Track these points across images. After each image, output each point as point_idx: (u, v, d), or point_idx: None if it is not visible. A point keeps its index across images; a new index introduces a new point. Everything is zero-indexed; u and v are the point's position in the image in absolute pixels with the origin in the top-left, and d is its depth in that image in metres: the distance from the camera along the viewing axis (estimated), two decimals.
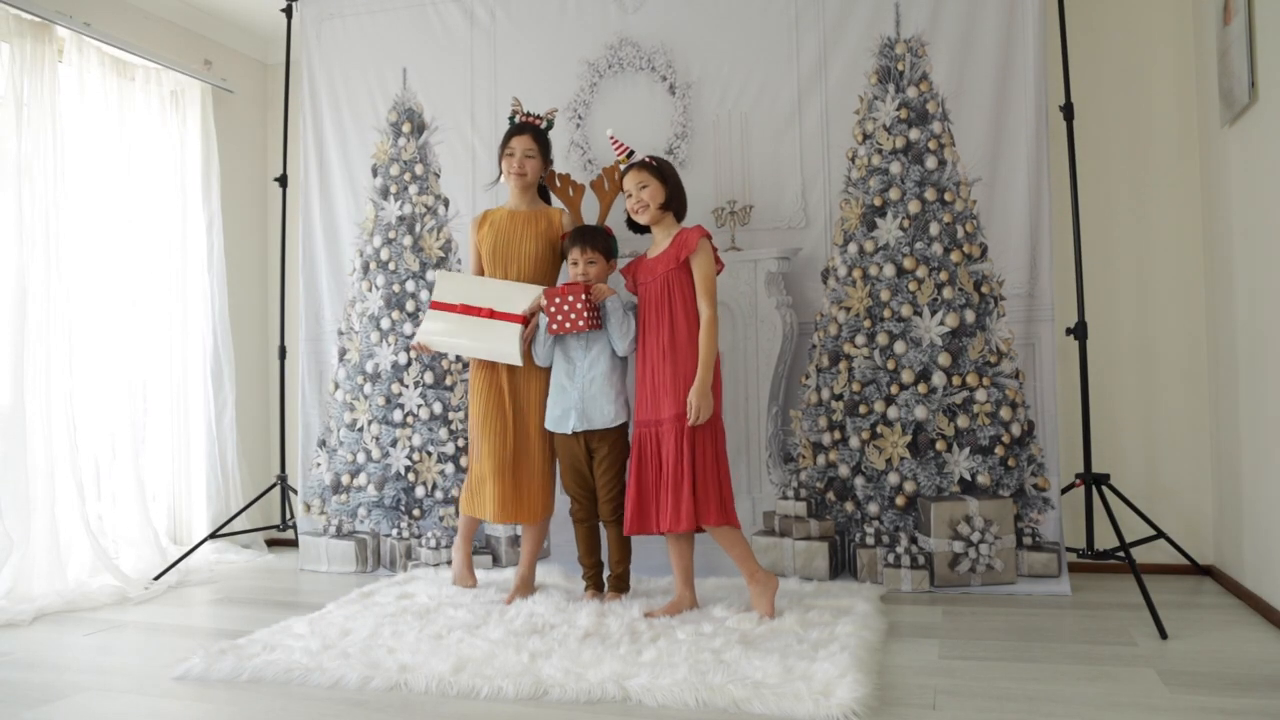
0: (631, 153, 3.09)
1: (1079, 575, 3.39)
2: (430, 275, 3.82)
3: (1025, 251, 3.27)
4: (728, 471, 2.93)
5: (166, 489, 4.13)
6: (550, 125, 3.31)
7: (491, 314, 3.12)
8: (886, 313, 3.36)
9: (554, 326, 3.01)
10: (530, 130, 3.24)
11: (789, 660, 2.36)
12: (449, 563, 3.74)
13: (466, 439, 3.75)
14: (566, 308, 2.97)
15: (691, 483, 2.85)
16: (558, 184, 3.36)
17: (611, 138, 3.15)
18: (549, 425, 3.16)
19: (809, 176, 3.46)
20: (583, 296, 2.96)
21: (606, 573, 3.19)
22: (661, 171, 3.01)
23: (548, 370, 3.20)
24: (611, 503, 3.10)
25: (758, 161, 3.51)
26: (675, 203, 3.03)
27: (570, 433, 3.10)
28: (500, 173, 3.31)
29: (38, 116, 3.45)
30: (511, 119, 3.31)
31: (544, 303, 3.03)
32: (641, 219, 3.03)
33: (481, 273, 3.30)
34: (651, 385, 2.96)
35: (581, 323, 2.97)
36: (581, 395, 3.08)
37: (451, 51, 3.85)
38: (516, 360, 3.09)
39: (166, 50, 4.15)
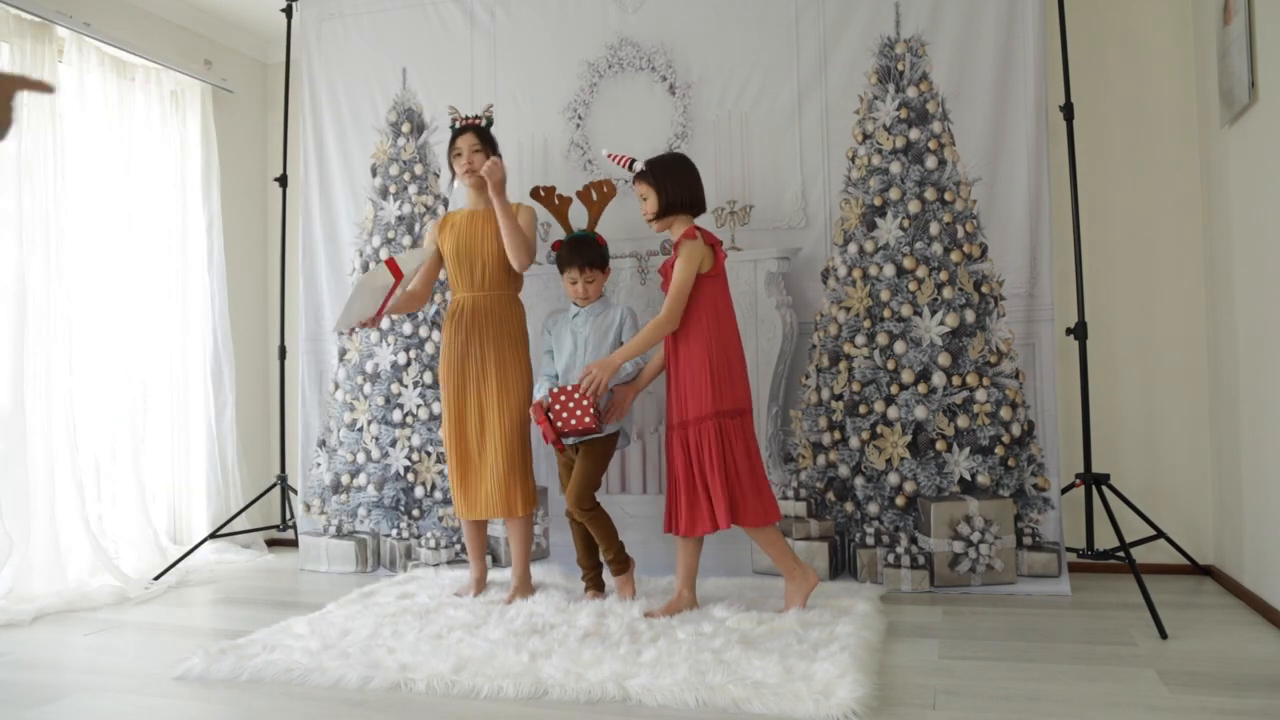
0: (632, 162, 3.02)
1: (1079, 575, 3.39)
2: None
3: (1025, 251, 3.27)
4: (755, 468, 2.88)
5: (166, 489, 4.12)
6: (490, 122, 3.33)
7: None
8: (886, 313, 3.36)
9: (560, 424, 2.93)
10: (472, 129, 3.28)
11: (789, 660, 2.36)
12: (449, 562, 3.75)
13: None
14: (571, 405, 2.92)
15: (689, 488, 2.86)
16: (542, 194, 3.33)
17: (609, 155, 3.09)
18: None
19: (809, 176, 3.46)
20: (588, 395, 2.90)
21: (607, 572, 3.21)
22: (656, 177, 2.96)
23: (518, 355, 3.23)
24: (576, 495, 3.06)
25: (758, 161, 3.51)
26: (678, 206, 2.97)
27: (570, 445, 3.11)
28: (453, 174, 3.32)
29: (38, 116, 3.44)
30: (452, 126, 3.32)
31: (547, 402, 2.97)
32: (654, 229, 3.04)
33: (429, 277, 3.35)
34: (667, 389, 2.98)
35: (588, 419, 2.91)
36: None
37: (451, 51, 3.85)
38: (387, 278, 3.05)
39: (166, 50, 4.15)
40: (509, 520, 3.24)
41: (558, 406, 2.94)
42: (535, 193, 3.33)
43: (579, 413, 2.92)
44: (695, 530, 2.87)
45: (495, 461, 3.17)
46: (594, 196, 3.30)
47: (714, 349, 2.90)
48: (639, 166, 3.00)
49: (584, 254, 3.11)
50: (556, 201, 3.33)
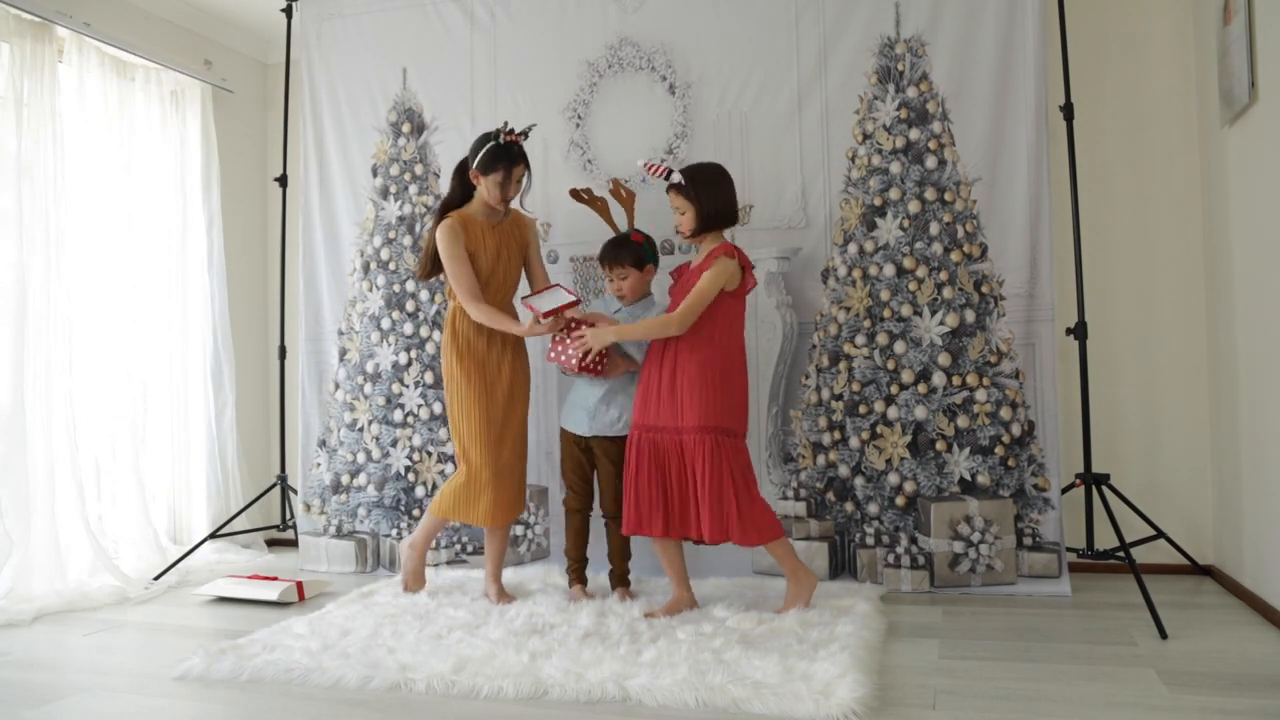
0: (670, 172, 2.93)
1: (1079, 575, 3.39)
2: None
3: (1025, 251, 3.27)
4: (748, 488, 2.86)
5: (166, 489, 4.12)
6: (527, 136, 3.17)
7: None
8: (886, 313, 3.36)
9: (552, 355, 3.03)
10: (525, 160, 3.12)
11: (789, 660, 2.36)
12: (449, 563, 3.75)
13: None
14: (569, 341, 2.97)
15: (680, 495, 2.86)
16: (585, 197, 3.33)
17: (646, 165, 2.99)
18: (568, 426, 3.20)
19: (809, 176, 3.46)
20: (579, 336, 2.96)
21: (609, 569, 3.23)
22: (696, 191, 2.89)
23: (527, 360, 3.25)
24: (616, 500, 3.13)
25: (758, 161, 3.51)
26: (713, 220, 2.92)
27: (585, 435, 3.16)
28: (487, 191, 3.10)
29: (38, 116, 3.44)
30: (496, 137, 3.09)
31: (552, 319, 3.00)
32: (689, 243, 3.05)
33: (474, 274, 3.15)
34: (647, 390, 2.96)
35: (573, 363, 2.98)
36: (600, 400, 3.14)
37: (451, 51, 3.85)
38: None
39: (166, 50, 4.15)
40: (501, 526, 3.23)
41: (561, 333, 2.99)
42: (576, 194, 3.33)
43: (567, 354, 2.98)
44: (673, 533, 2.89)
45: (518, 465, 3.21)
46: (623, 194, 3.31)
47: (722, 365, 2.89)
48: (676, 178, 2.92)
49: (612, 253, 3.13)
50: (599, 202, 3.34)
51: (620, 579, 3.19)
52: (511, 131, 3.11)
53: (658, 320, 2.90)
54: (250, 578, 3.43)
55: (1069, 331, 3.19)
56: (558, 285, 3.09)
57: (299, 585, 3.34)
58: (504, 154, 3.08)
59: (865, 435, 3.36)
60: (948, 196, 3.32)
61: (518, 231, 3.23)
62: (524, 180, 3.16)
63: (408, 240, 3.85)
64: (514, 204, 3.24)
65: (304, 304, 4.01)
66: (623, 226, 3.27)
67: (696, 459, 2.84)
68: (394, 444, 3.83)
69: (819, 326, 3.43)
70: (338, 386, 3.94)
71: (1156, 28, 3.58)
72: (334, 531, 3.90)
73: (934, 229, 3.32)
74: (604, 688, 2.24)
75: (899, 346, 3.34)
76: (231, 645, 2.63)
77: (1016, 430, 3.25)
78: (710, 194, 2.91)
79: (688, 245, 3.40)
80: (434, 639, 2.66)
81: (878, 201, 3.38)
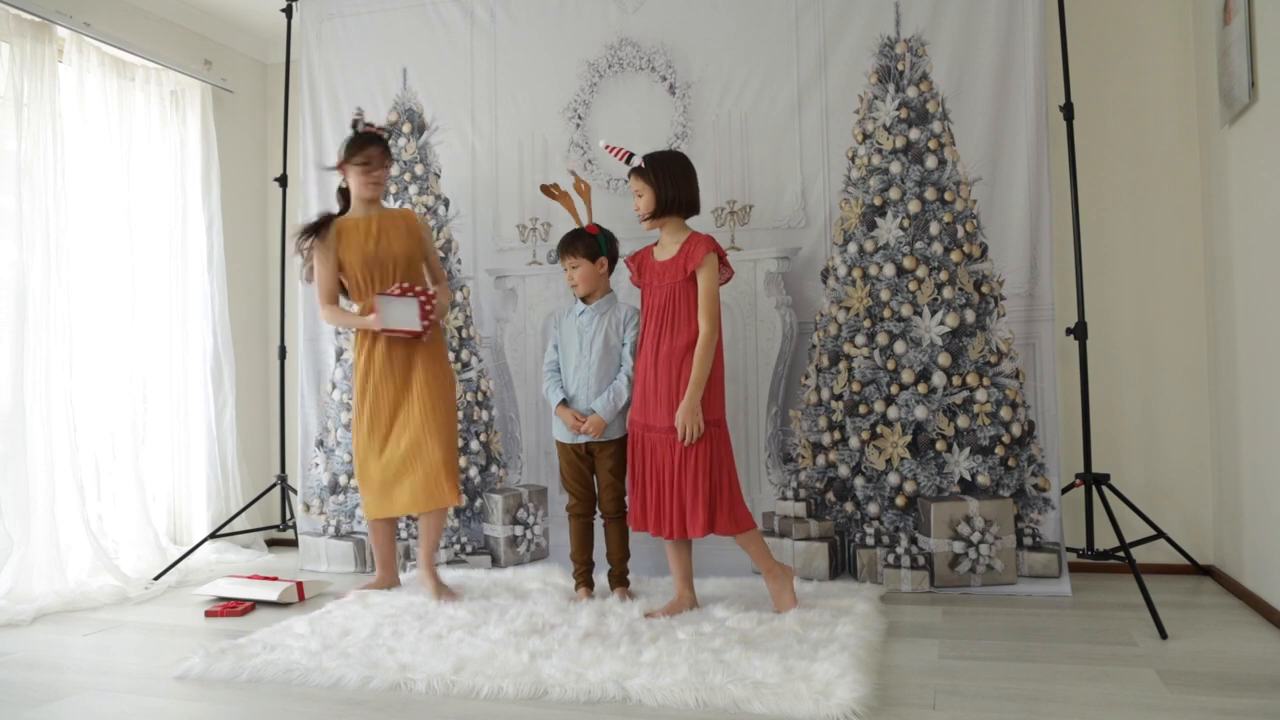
0: (630, 156, 2.99)
1: (1079, 575, 3.39)
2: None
3: (1025, 251, 3.27)
4: (732, 477, 2.89)
5: (166, 489, 4.12)
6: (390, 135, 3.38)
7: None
8: (886, 312, 3.35)
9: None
10: (381, 141, 3.28)
11: (789, 660, 2.36)
12: (449, 562, 3.75)
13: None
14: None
15: (688, 493, 2.84)
16: (554, 193, 3.35)
17: (607, 147, 3.05)
18: (562, 438, 3.20)
19: (809, 176, 3.46)
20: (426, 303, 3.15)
21: (608, 570, 3.22)
22: (655, 175, 2.92)
23: (438, 349, 3.29)
24: (614, 500, 3.14)
25: (757, 161, 3.51)
26: (675, 206, 2.94)
27: (575, 443, 3.18)
28: (348, 185, 3.29)
29: (38, 116, 3.44)
30: (354, 126, 3.38)
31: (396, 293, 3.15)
32: (644, 226, 3.01)
33: (338, 288, 3.27)
34: (645, 389, 2.96)
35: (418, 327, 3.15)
36: (580, 406, 3.14)
37: (451, 51, 3.85)
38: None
39: (166, 50, 4.15)
40: (434, 512, 3.24)
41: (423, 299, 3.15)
42: (546, 190, 3.36)
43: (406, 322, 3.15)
44: (689, 532, 2.87)
45: (430, 452, 3.17)
46: (582, 187, 3.35)
47: (714, 360, 2.92)
48: (636, 161, 2.96)
49: (567, 243, 3.17)
50: (566, 197, 3.36)
51: (619, 579, 3.20)
52: (371, 124, 3.37)
53: (701, 353, 2.86)
54: (250, 578, 3.43)
55: (1069, 331, 3.19)
56: (412, 298, 3.15)
57: (299, 585, 3.34)
58: (360, 141, 3.23)
59: (865, 435, 3.36)
60: (948, 196, 3.32)
61: (401, 223, 3.29)
62: (384, 163, 3.28)
63: None
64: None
65: (304, 304, 4.01)
66: (585, 220, 3.29)
67: (691, 453, 2.84)
68: None
69: (819, 326, 3.43)
70: (334, 386, 3.93)
71: (1156, 28, 3.58)
72: (333, 532, 3.90)
73: (934, 229, 3.32)
74: (604, 688, 2.24)
75: (899, 346, 3.34)
76: (231, 645, 2.63)
77: (1016, 430, 3.25)
78: (668, 179, 2.93)
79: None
80: (434, 639, 2.66)
81: (878, 201, 3.38)
